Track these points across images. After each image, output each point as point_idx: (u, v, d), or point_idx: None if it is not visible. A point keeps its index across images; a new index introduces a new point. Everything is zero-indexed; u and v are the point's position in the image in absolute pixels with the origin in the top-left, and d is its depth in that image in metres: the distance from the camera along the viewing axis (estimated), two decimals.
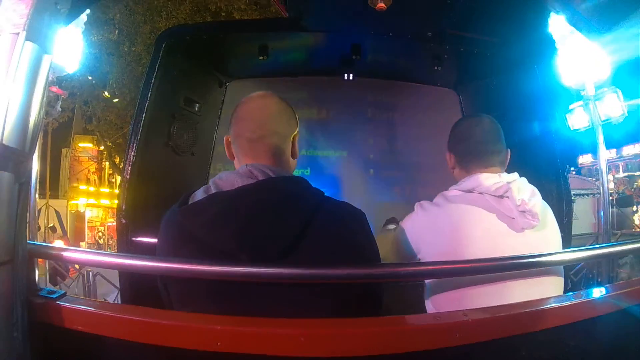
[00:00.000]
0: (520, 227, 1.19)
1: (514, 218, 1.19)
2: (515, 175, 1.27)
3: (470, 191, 1.25)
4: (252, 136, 1.04)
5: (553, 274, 1.22)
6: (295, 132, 1.11)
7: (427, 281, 1.31)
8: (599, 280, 5.61)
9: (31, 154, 0.86)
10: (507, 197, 1.20)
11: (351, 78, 2.41)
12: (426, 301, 1.30)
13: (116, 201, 2.26)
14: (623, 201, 8.91)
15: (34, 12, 0.81)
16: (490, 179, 1.23)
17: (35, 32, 0.82)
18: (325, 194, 1.02)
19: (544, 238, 1.22)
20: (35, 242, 1.05)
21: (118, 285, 3.57)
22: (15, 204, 0.83)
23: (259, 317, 0.84)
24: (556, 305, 0.99)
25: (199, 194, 0.97)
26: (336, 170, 2.52)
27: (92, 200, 14.87)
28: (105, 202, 14.99)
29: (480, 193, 1.23)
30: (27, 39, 0.81)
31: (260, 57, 2.20)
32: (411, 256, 1.28)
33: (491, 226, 1.19)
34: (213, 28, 2.55)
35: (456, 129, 1.41)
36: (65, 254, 1.07)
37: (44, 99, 0.87)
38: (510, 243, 1.17)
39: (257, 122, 1.05)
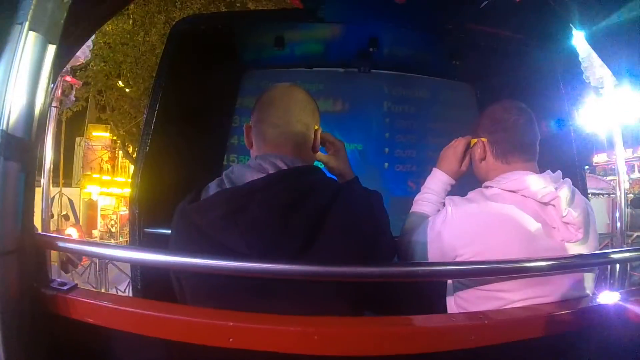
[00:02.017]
0: (560, 239, 1.11)
1: (555, 228, 1.11)
2: (560, 175, 1.19)
3: (513, 192, 1.15)
4: (277, 122, 1.03)
5: (582, 274, 1.14)
6: (318, 126, 1.09)
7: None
8: (612, 281, 5.57)
9: (37, 144, 0.86)
10: (553, 205, 1.11)
11: (368, 71, 2.39)
12: (448, 298, 1.26)
13: (128, 190, 2.26)
14: (638, 202, 8.77)
15: (37, 2, 0.81)
16: (538, 183, 1.13)
17: (39, 22, 0.81)
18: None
19: (582, 251, 1.13)
20: (47, 234, 1.05)
21: (129, 274, 3.60)
22: (22, 193, 0.83)
23: (272, 314, 0.83)
24: (572, 309, 0.97)
25: (212, 188, 0.96)
26: (351, 163, 2.50)
27: (105, 189, 15.04)
28: (118, 190, 15.14)
29: (525, 196, 1.13)
30: (31, 29, 0.80)
31: (276, 48, 2.18)
32: (446, 258, 1.18)
33: (530, 234, 1.10)
34: (228, 18, 2.53)
35: (494, 114, 1.28)
36: (76, 246, 1.06)
37: (49, 88, 0.87)
38: (546, 254, 1.08)
39: (282, 108, 1.04)
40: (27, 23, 0.80)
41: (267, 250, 0.87)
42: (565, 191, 1.12)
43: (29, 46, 0.81)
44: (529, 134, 1.23)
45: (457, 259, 1.14)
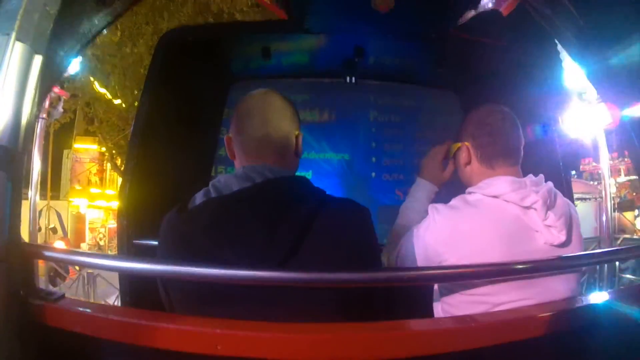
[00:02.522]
0: (543, 242, 1.13)
1: (538, 231, 1.13)
2: (542, 179, 1.20)
3: (495, 197, 1.17)
4: (255, 134, 1.02)
5: (566, 277, 1.16)
6: (299, 130, 1.09)
7: (436, 285, 1.27)
8: (600, 285, 5.63)
9: (24, 153, 0.87)
10: (535, 208, 1.13)
11: (353, 81, 2.42)
12: (435, 304, 1.28)
13: (117, 203, 2.25)
14: (625, 205, 8.87)
15: (23, 13, 0.82)
16: (519, 187, 1.15)
17: (25, 32, 0.83)
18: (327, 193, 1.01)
19: (565, 254, 1.15)
20: (34, 244, 1.05)
21: (118, 287, 3.56)
22: (8, 203, 0.83)
23: (260, 321, 0.83)
24: (559, 310, 0.99)
25: (198, 198, 0.97)
26: (338, 173, 2.51)
27: (93, 202, 14.88)
28: (107, 203, 14.99)
29: (506, 201, 1.15)
30: (18, 39, 0.81)
31: (263, 59, 2.20)
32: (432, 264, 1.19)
33: (513, 238, 1.12)
34: (215, 29, 2.55)
35: (478, 118, 1.30)
36: (63, 255, 1.06)
37: (36, 98, 0.88)
38: (530, 257, 1.10)
39: (259, 119, 1.03)
40: (14, 33, 0.81)
41: (254, 259, 0.87)
42: (545, 194, 1.14)
43: (15, 56, 0.82)
44: (513, 138, 1.25)
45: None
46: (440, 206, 1.22)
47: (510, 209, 1.14)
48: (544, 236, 1.12)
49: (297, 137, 1.09)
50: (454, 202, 1.23)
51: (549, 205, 1.13)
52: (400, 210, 1.46)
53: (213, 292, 0.90)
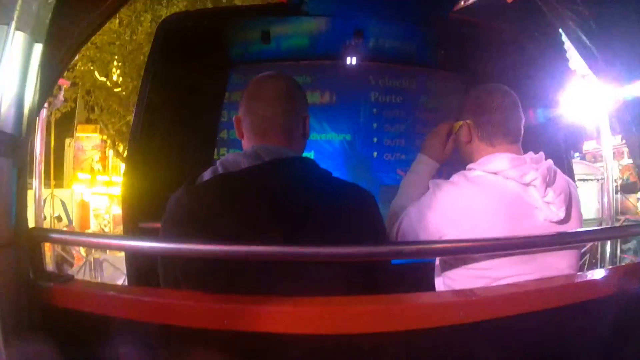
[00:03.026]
0: (543, 218, 1.14)
1: (537, 208, 1.14)
2: (542, 157, 1.21)
3: (494, 173, 1.18)
4: (265, 113, 1.03)
5: (566, 254, 1.18)
6: (307, 112, 1.11)
7: (437, 260, 1.29)
8: (602, 265, 5.65)
9: (27, 140, 0.88)
10: (534, 185, 1.14)
11: (354, 62, 2.41)
12: (436, 278, 1.30)
13: (120, 189, 2.27)
14: (628, 187, 8.85)
15: (22, 2, 0.83)
16: (518, 164, 1.16)
17: (25, 22, 0.83)
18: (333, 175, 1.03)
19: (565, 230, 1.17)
20: (41, 227, 1.07)
21: (124, 270, 3.60)
22: (14, 189, 0.85)
23: (265, 296, 0.86)
24: (559, 285, 1.01)
25: (206, 176, 0.98)
26: (340, 153, 2.52)
27: (97, 189, 14.90)
28: (110, 190, 15.02)
29: (506, 178, 1.16)
30: (17, 28, 0.82)
31: (263, 43, 2.20)
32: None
33: (513, 214, 1.14)
34: (215, 15, 2.54)
35: (479, 97, 1.30)
36: (70, 237, 1.09)
37: (38, 86, 0.89)
38: (529, 233, 1.12)
39: (269, 99, 1.04)
40: (14, 23, 0.82)
41: (259, 234, 0.89)
42: (545, 171, 1.15)
43: (16, 46, 0.83)
44: (514, 117, 1.25)
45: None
46: (441, 182, 1.23)
47: (509, 186, 1.15)
48: (544, 213, 1.14)
49: (304, 118, 1.10)
50: (454, 178, 1.24)
51: (549, 182, 1.15)
52: (400, 185, 1.47)
53: (219, 269, 0.93)
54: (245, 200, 0.91)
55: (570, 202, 1.18)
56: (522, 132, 1.27)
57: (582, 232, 1.23)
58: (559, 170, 1.21)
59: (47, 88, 1.00)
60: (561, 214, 1.14)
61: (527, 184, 1.14)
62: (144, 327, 0.88)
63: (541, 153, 1.22)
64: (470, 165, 1.26)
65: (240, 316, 0.83)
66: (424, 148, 1.47)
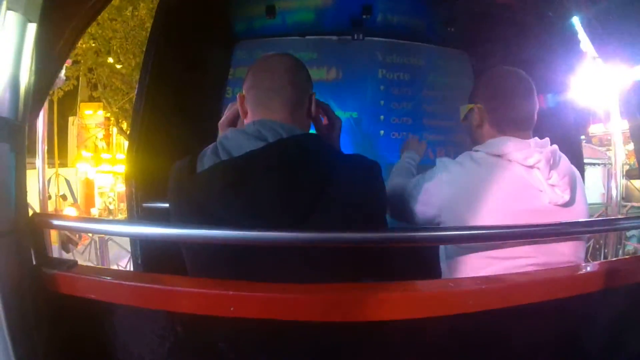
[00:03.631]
0: (548, 201, 1.13)
1: (542, 191, 1.13)
2: (547, 142, 1.19)
3: (499, 156, 1.17)
4: (271, 85, 1.02)
5: (573, 240, 1.17)
6: (312, 91, 1.09)
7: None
8: (606, 251, 5.66)
9: (24, 123, 0.85)
10: (538, 168, 1.13)
11: (362, 38, 2.35)
12: (442, 264, 1.29)
13: (124, 167, 2.26)
14: (633, 173, 8.79)
15: None
16: (522, 147, 1.15)
17: (16, 1, 0.80)
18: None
19: (570, 214, 1.15)
20: (42, 213, 1.05)
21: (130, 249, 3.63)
22: (13, 174, 0.83)
23: (272, 283, 0.83)
24: (567, 275, 0.99)
25: (207, 158, 0.95)
26: (346, 131, 2.50)
27: (101, 167, 14.97)
28: (115, 168, 15.08)
29: (510, 160, 1.15)
30: (9, 8, 0.79)
31: (267, 17, 2.15)
32: (432, 216, 1.23)
33: (517, 196, 1.13)
34: None
35: (492, 81, 1.29)
36: (72, 223, 1.07)
37: (33, 67, 0.86)
38: (534, 216, 1.12)
39: (276, 73, 1.03)
40: (5, 2, 0.78)
41: (268, 222, 0.87)
42: (549, 154, 1.13)
43: (8, 26, 0.80)
44: (527, 104, 1.23)
45: (442, 218, 1.19)
46: (447, 160, 1.24)
47: (513, 168, 1.15)
48: (548, 195, 1.13)
49: (310, 96, 1.08)
50: (460, 157, 1.23)
51: (552, 165, 1.13)
52: (396, 167, 1.59)
53: (226, 255, 0.91)
54: (250, 191, 0.88)
55: (575, 185, 1.18)
56: (535, 119, 1.24)
57: (594, 221, 1.22)
58: (563, 155, 1.20)
59: (50, 75, 0.98)
60: (566, 197, 1.13)
61: (531, 167, 1.13)
62: (148, 314, 0.87)
63: (546, 138, 1.20)
64: (476, 147, 1.25)
65: (247, 303, 0.82)
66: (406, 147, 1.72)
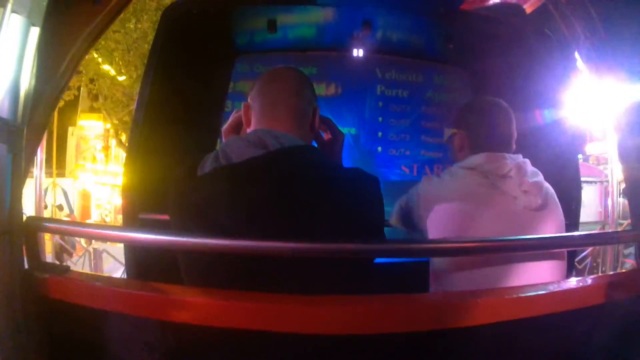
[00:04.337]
0: (522, 207, 1.20)
1: (516, 197, 1.20)
2: (519, 156, 1.28)
3: (473, 169, 1.26)
4: (276, 96, 1.03)
5: (554, 259, 1.22)
6: (317, 104, 1.10)
7: (431, 260, 1.32)
8: (604, 269, 5.64)
9: (23, 125, 0.86)
10: (510, 176, 1.21)
11: (361, 54, 2.38)
12: (430, 281, 1.32)
13: (122, 179, 2.25)
14: None
15: None
16: (495, 159, 1.24)
17: (21, 4, 0.81)
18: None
19: (545, 218, 1.23)
20: (37, 216, 1.04)
21: (124, 262, 3.60)
22: (9, 175, 0.83)
23: (267, 293, 0.83)
24: (561, 290, 0.98)
25: (207, 164, 0.95)
26: (344, 147, 2.51)
27: (98, 178, 14.98)
28: (112, 180, 15.07)
29: (483, 171, 1.24)
30: (14, 11, 0.80)
31: (269, 32, 2.17)
32: (416, 222, 1.33)
33: (493, 205, 1.20)
34: (220, 2, 2.50)
35: (473, 109, 1.41)
36: (66, 226, 1.07)
37: (34, 70, 0.87)
38: (512, 222, 1.19)
39: (282, 85, 1.05)
40: (9, 5, 0.79)
41: (265, 230, 0.87)
42: (520, 163, 1.24)
43: (12, 29, 0.80)
44: (505, 132, 1.33)
45: (426, 225, 1.28)
46: (432, 176, 1.37)
47: (487, 179, 1.24)
48: (522, 201, 1.20)
49: (314, 109, 1.09)
50: (442, 174, 1.35)
51: (523, 173, 1.22)
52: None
53: (222, 263, 0.90)
54: (249, 195, 0.88)
55: (546, 191, 1.25)
56: (513, 145, 1.34)
57: (581, 235, 1.27)
58: (537, 170, 1.29)
59: (57, 85, 0.99)
60: (539, 200, 1.20)
61: (504, 175, 1.22)
62: (140, 322, 0.86)
63: (519, 154, 1.30)
64: (455, 164, 1.35)
65: (242, 314, 0.81)
66: None
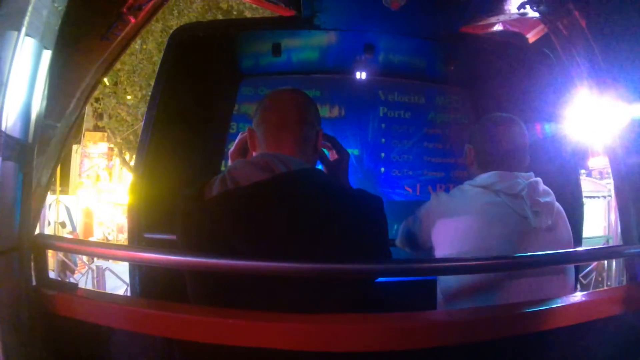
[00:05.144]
0: (533, 227, 1.19)
1: (526, 218, 1.20)
2: (531, 175, 1.28)
3: (485, 187, 1.25)
4: (280, 122, 1.04)
5: (562, 274, 1.22)
6: (320, 127, 1.11)
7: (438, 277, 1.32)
8: (609, 283, 5.57)
9: (34, 145, 0.88)
10: (522, 196, 1.20)
11: (364, 77, 2.41)
12: (438, 298, 1.33)
13: (125, 198, 2.26)
14: None
15: (32, 8, 0.84)
16: (507, 177, 1.24)
17: (34, 28, 0.84)
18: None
19: (555, 238, 1.22)
20: (46, 234, 1.06)
21: (127, 281, 3.58)
22: (20, 193, 0.85)
23: (271, 312, 0.84)
24: (566, 305, 0.99)
25: (215, 186, 0.97)
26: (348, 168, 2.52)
27: (102, 196, 14.97)
28: (115, 198, 15.07)
29: (495, 190, 1.23)
30: (27, 34, 0.83)
31: (274, 55, 2.21)
32: (423, 242, 1.33)
33: (503, 224, 1.20)
34: (226, 26, 2.55)
35: (484, 126, 1.40)
36: (76, 245, 1.08)
37: (46, 92, 0.90)
38: (522, 242, 1.19)
39: (285, 109, 1.06)
40: (24, 29, 0.83)
41: (272, 251, 0.88)
42: (533, 183, 1.24)
43: (25, 51, 0.84)
44: (515, 150, 1.32)
45: (434, 244, 1.29)
46: (441, 193, 1.36)
47: (498, 197, 1.23)
48: (533, 221, 1.20)
49: (317, 133, 1.10)
50: (452, 191, 1.35)
51: (535, 193, 1.22)
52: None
53: (230, 283, 0.91)
54: (256, 218, 0.90)
55: (559, 212, 1.26)
56: (525, 161, 1.33)
57: (584, 251, 1.33)
58: (548, 189, 1.29)
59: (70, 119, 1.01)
60: (549, 221, 1.21)
61: (516, 195, 1.21)
62: (147, 340, 0.87)
63: (531, 173, 1.30)
64: (465, 182, 1.35)
65: (246, 332, 0.82)
66: None
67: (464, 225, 1.22)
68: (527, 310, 0.95)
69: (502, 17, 1.85)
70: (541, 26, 1.84)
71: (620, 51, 1.15)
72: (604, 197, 8.60)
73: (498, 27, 2.11)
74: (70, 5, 0.92)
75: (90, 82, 1.10)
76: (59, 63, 0.92)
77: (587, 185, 8.58)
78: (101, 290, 5.34)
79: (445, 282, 1.27)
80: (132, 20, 1.24)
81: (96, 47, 1.09)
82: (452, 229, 1.23)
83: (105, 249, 1.07)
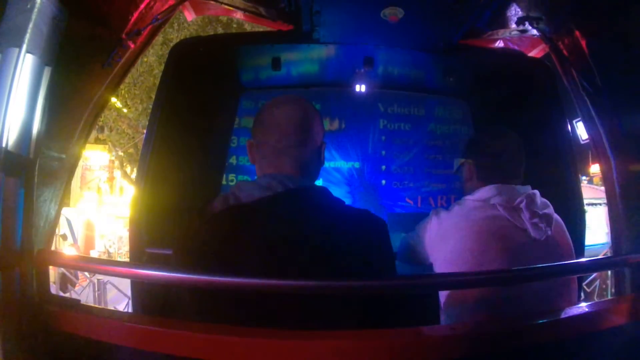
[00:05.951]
0: (532, 238, 1.21)
1: (525, 230, 1.21)
2: (529, 187, 1.30)
3: (484, 201, 1.27)
4: (278, 145, 1.00)
5: (566, 284, 1.24)
6: (322, 139, 1.07)
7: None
8: (613, 291, 5.53)
9: (35, 161, 0.89)
10: (521, 208, 1.22)
11: (363, 90, 2.42)
12: (442, 312, 1.32)
13: (127, 210, 2.26)
14: None
15: (33, 26, 0.85)
16: (505, 190, 1.25)
17: (35, 45, 0.86)
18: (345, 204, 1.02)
19: (555, 249, 1.24)
20: (47, 250, 1.05)
21: (128, 294, 3.56)
22: (21, 209, 0.85)
23: (273, 329, 0.84)
24: (570, 315, 0.99)
25: (217, 205, 0.97)
26: (348, 181, 2.52)
27: (103, 209, 14.96)
28: (116, 211, 15.06)
29: (494, 204, 1.25)
30: (28, 51, 0.85)
31: (273, 69, 2.22)
32: (424, 259, 1.34)
33: (503, 238, 1.21)
34: (226, 40, 2.58)
35: (482, 139, 1.42)
36: (75, 262, 1.08)
37: (47, 108, 0.91)
38: (521, 254, 1.20)
39: (283, 130, 1.00)
40: (24, 46, 0.84)
41: (272, 268, 0.88)
42: (531, 195, 1.25)
43: (26, 68, 0.85)
44: (513, 162, 1.34)
45: (434, 261, 1.30)
46: (440, 210, 1.36)
47: (497, 211, 1.24)
48: (533, 233, 1.21)
49: (320, 146, 1.07)
50: (451, 207, 1.36)
51: (533, 205, 1.23)
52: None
53: (228, 301, 0.91)
54: (258, 233, 0.90)
55: (556, 222, 1.27)
56: (522, 174, 1.35)
57: (584, 262, 1.32)
58: (547, 201, 1.30)
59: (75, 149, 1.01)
60: (549, 232, 1.22)
61: (514, 208, 1.22)
62: (147, 356, 0.86)
63: (528, 186, 1.32)
64: (464, 197, 1.36)
65: (247, 348, 0.82)
66: None
67: (462, 246, 1.23)
68: (530, 323, 0.95)
69: (501, 33, 1.86)
70: (542, 45, 1.85)
71: (618, 71, 1.17)
72: (605, 204, 8.59)
73: (499, 45, 2.13)
74: (70, 34, 0.93)
75: (94, 110, 1.10)
76: (63, 93, 0.93)
77: (588, 193, 8.56)
78: (103, 307, 5.31)
79: (449, 296, 1.27)
80: (132, 45, 1.26)
81: (97, 75, 1.10)
82: (451, 249, 1.25)
83: (107, 266, 1.07)
